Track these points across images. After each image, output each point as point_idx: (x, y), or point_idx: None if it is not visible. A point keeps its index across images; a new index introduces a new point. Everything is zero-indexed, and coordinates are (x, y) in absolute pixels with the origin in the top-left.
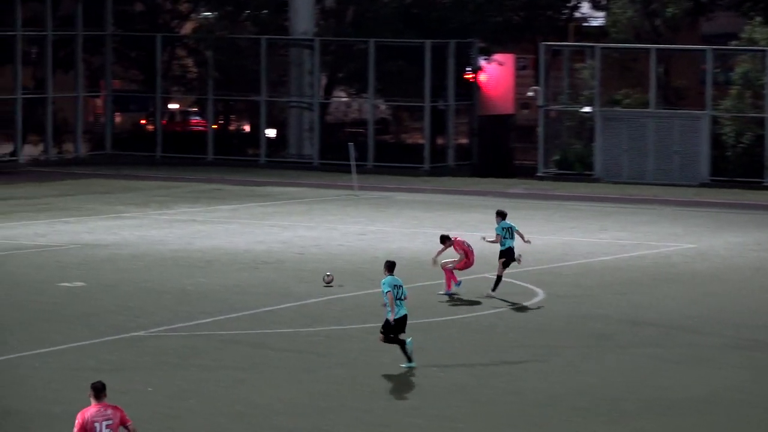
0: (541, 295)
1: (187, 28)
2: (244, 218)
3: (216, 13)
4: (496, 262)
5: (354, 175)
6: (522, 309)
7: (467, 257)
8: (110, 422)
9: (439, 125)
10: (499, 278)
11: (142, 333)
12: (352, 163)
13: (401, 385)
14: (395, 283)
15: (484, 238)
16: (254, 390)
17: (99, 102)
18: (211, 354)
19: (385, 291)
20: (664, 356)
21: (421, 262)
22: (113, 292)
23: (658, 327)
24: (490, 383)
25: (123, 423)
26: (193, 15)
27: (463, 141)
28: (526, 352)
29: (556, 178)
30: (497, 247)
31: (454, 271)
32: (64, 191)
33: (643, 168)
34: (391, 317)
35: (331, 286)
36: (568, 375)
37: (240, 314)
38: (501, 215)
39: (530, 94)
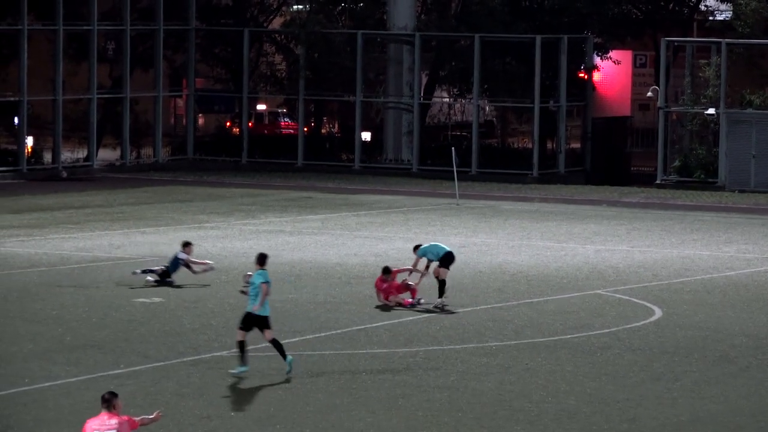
0: (658, 313)
1: (276, 22)
2: (336, 229)
3: (308, 6)
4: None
5: (456, 183)
6: (638, 329)
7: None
8: None
9: (549, 128)
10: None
11: (225, 353)
12: (454, 169)
13: (506, 411)
14: (262, 281)
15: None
16: (346, 416)
17: (181, 102)
18: (299, 376)
19: (260, 282)
20: None
21: (528, 277)
22: (194, 308)
23: None
24: (603, 410)
25: (132, 429)
26: (283, 8)
27: (576, 145)
28: (643, 376)
29: (677, 186)
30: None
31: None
32: (142, 199)
33: None
34: (254, 308)
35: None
36: (689, 401)
37: (331, 333)
38: (417, 248)
39: (649, 94)
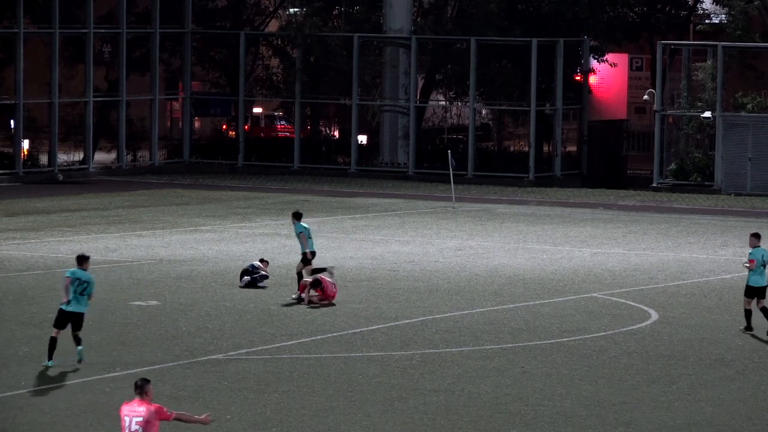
0: (654, 316)
1: (273, 25)
2: (333, 232)
3: (304, 9)
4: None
5: (452, 186)
6: (634, 332)
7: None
8: (140, 419)
9: (545, 131)
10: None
11: (221, 356)
12: (451, 172)
13: (502, 414)
14: (78, 276)
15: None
16: (342, 419)
17: (177, 105)
18: (295, 379)
19: (65, 275)
20: None
21: (525, 280)
22: (190, 311)
23: None
24: (599, 413)
25: (162, 419)
26: (279, 11)
27: (572, 148)
28: (639, 379)
29: (673, 189)
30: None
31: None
32: (138, 202)
33: None
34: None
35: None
36: (685, 404)
37: (327, 336)
38: (297, 216)
39: (645, 97)
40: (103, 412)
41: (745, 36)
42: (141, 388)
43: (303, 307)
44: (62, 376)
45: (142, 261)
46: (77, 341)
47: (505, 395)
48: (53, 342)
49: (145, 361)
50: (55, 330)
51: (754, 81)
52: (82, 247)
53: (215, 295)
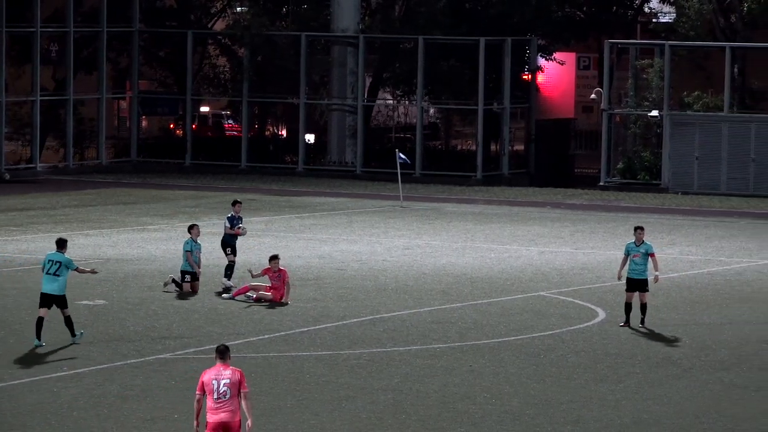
0: (602, 315)
1: (220, 25)
2: (280, 231)
3: (252, 8)
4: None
5: (400, 184)
6: (582, 331)
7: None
8: (227, 381)
9: (493, 130)
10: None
11: (169, 355)
12: (398, 171)
13: (450, 412)
14: (51, 258)
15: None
16: (290, 418)
17: (124, 104)
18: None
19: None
20: (736, 382)
21: (472, 278)
22: (138, 311)
23: (730, 350)
24: (547, 412)
25: (241, 386)
26: (227, 10)
27: (520, 147)
28: (587, 378)
29: (621, 188)
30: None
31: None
32: (85, 201)
33: (716, 177)
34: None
35: None
36: (632, 402)
37: (274, 335)
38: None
39: (593, 96)
40: (50, 411)
41: (698, 36)
42: (223, 354)
43: (249, 307)
44: (9, 376)
45: (89, 260)
46: (69, 327)
47: (452, 394)
48: (39, 321)
49: (93, 361)
50: (41, 310)
51: (703, 81)
52: (29, 246)
53: (162, 294)
